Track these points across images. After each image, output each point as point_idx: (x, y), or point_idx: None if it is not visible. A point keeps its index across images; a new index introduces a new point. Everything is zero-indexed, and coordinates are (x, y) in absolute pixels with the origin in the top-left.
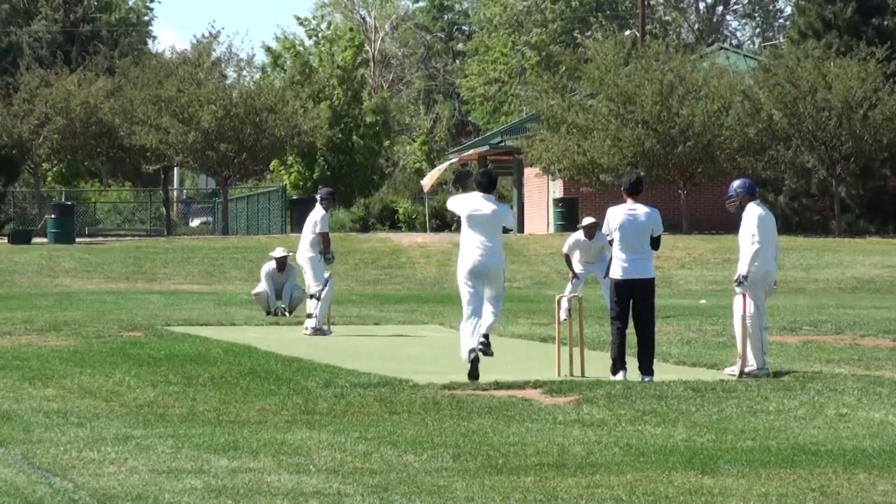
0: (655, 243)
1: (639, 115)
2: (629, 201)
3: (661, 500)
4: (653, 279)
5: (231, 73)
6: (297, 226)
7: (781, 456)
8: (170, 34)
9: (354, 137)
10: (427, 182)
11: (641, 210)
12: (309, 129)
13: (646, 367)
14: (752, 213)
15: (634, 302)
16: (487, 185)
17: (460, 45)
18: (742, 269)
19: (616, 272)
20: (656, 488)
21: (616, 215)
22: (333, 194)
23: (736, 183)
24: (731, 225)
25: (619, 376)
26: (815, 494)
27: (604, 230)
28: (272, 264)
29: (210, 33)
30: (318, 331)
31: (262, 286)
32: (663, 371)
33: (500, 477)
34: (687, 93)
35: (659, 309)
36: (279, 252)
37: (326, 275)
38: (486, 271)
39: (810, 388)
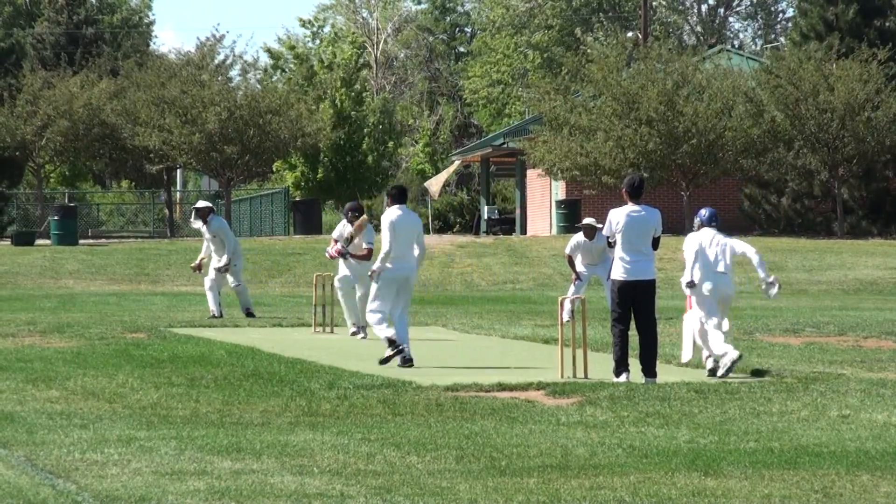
0: (655, 244)
1: (643, 116)
2: (630, 203)
3: (665, 501)
4: (654, 280)
5: (235, 76)
6: (301, 227)
7: (784, 457)
8: (170, 35)
9: (358, 138)
10: (435, 188)
11: (643, 211)
12: (313, 132)
13: (649, 370)
14: (689, 241)
15: (636, 304)
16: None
17: (462, 48)
18: (685, 276)
19: (618, 273)
20: (659, 490)
21: (619, 216)
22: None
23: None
24: (734, 227)
25: (623, 378)
26: (818, 496)
27: (605, 232)
28: (199, 223)
29: (214, 36)
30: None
31: (208, 278)
32: (666, 373)
33: (503, 478)
34: (690, 94)
35: (662, 310)
36: (200, 203)
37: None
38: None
39: (813, 389)
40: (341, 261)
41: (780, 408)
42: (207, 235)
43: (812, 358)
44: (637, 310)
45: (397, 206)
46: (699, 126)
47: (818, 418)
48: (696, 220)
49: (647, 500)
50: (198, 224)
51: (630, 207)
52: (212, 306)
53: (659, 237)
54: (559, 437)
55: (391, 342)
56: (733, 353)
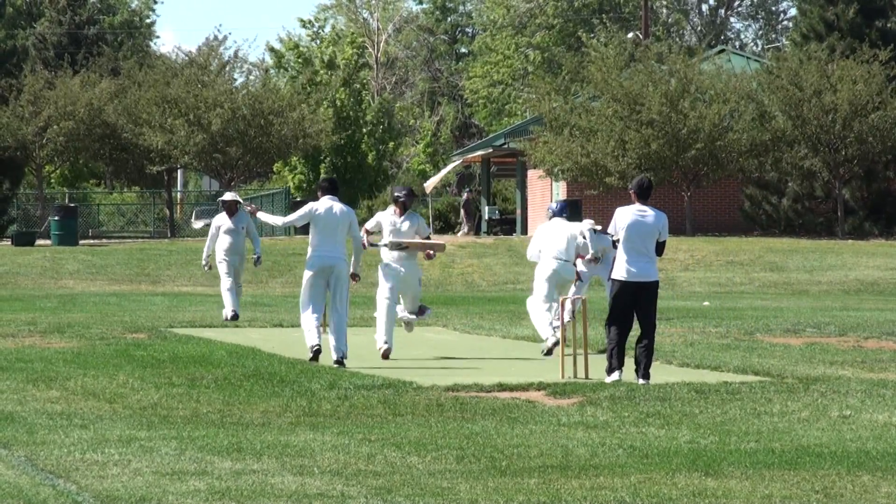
0: (660, 249)
1: (645, 117)
2: (637, 203)
3: (665, 501)
4: (657, 282)
5: (238, 77)
6: (302, 228)
7: (785, 458)
8: (171, 35)
9: (358, 139)
10: (429, 185)
11: (650, 213)
12: (314, 133)
13: (643, 372)
14: (538, 230)
15: (636, 305)
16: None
17: (463, 48)
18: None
19: (620, 273)
20: (660, 490)
21: (624, 216)
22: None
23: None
24: (734, 227)
25: (615, 376)
26: (818, 496)
27: (609, 230)
28: (222, 216)
29: (216, 36)
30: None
31: (222, 269)
32: (667, 373)
33: (503, 479)
34: (695, 98)
35: (662, 311)
36: (228, 196)
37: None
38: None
39: (814, 390)
40: (383, 270)
41: (781, 408)
42: (229, 227)
43: (813, 358)
44: (638, 311)
45: (327, 196)
46: (704, 131)
47: (819, 419)
48: (548, 212)
49: (648, 501)
50: (199, 224)
51: (637, 207)
52: (234, 306)
53: (664, 242)
54: (560, 438)
55: (313, 349)
56: (552, 340)
